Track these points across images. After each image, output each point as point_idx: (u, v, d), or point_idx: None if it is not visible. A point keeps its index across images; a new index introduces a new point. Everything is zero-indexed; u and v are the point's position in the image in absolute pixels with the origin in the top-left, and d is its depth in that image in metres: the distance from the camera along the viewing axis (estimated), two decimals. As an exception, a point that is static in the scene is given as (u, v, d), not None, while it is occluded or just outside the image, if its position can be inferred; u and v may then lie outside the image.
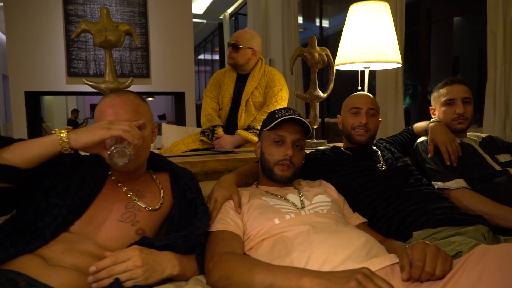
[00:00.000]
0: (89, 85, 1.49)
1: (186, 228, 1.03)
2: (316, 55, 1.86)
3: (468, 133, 1.70)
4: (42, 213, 0.92)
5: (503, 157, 1.57)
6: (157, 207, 1.07)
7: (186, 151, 2.16)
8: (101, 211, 0.98)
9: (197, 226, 1.02)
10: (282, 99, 2.15)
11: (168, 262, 0.90)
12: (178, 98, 4.87)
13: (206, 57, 11.22)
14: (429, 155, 1.54)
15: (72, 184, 0.96)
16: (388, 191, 1.33)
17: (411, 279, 0.84)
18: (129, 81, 1.52)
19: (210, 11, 7.40)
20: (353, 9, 2.03)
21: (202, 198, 1.13)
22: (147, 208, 1.04)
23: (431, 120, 1.68)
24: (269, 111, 1.89)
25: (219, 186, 1.21)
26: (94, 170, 1.03)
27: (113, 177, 1.07)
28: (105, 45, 1.42)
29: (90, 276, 0.80)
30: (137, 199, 1.04)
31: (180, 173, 1.18)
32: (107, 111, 0.99)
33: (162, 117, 12.37)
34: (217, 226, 1.08)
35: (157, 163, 1.20)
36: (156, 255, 0.88)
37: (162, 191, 1.13)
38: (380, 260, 0.92)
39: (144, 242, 0.90)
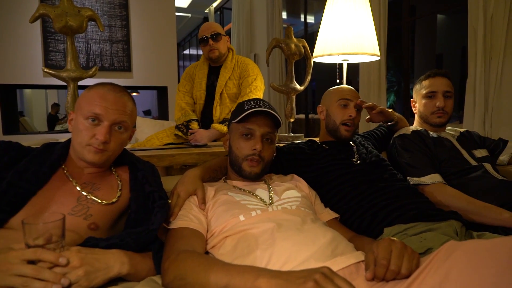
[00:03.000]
0: (50, 73, 1.41)
1: (142, 224, 0.96)
2: (293, 46, 1.81)
3: (446, 128, 1.67)
4: None
5: (480, 152, 1.55)
6: (113, 200, 1.01)
7: (159, 146, 2.09)
8: (49, 204, 0.91)
9: (151, 221, 0.95)
10: (257, 89, 2.08)
11: (115, 260, 0.82)
12: (161, 92, 4.78)
13: (191, 52, 11.08)
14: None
15: (6, 180, 0.89)
16: (361, 186, 1.29)
17: (376, 278, 0.79)
18: (93, 70, 1.45)
19: (195, 5, 7.29)
20: (331, 0, 1.98)
21: (162, 192, 1.07)
22: (102, 202, 0.98)
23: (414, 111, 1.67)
24: (245, 103, 1.82)
25: (182, 180, 1.14)
26: (37, 164, 0.95)
27: (65, 171, 1.00)
28: (66, 31, 1.34)
29: None
30: (91, 193, 0.98)
31: (140, 166, 1.11)
32: (96, 101, 0.96)
33: (147, 113, 12.13)
34: (178, 223, 1.01)
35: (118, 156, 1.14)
36: (99, 253, 0.81)
37: (120, 184, 1.06)
38: (345, 259, 0.87)
39: (88, 243, 0.83)
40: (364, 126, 3.33)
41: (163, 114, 4.76)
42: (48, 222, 0.74)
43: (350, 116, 1.41)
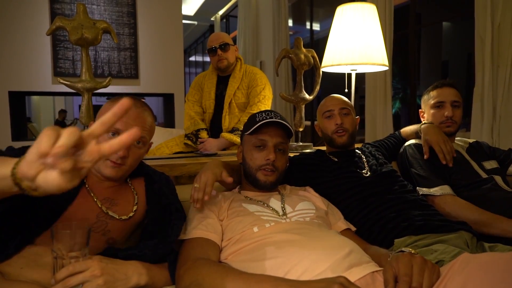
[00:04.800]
0: (65, 84, 1.43)
1: (158, 236, 0.98)
2: (302, 56, 1.82)
3: (456, 138, 1.67)
4: (6, 223, 0.84)
5: (489, 164, 1.55)
6: (130, 215, 1.02)
7: (169, 154, 2.11)
8: (72, 221, 0.93)
9: (168, 233, 0.97)
10: (265, 99, 2.11)
11: (133, 271, 0.84)
12: (167, 99, 4.81)
13: (197, 59, 11.17)
14: (425, 156, 1.51)
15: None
16: (370, 198, 1.30)
17: None
18: (107, 81, 1.47)
19: (201, 13, 7.37)
20: (340, 10, 2.00)
21: (178, 204, 1.08)
22: (120, 218, 0.99)
23: (422, 122, 1.65)
24: (253, 112, 1.85)
25: (207, 167, 1.14)
26: None
27: (86, 186, 1.01)
28: (81, 43, 1.37)
29: None
30: (109, 209, 0.99)
31: (156, 178, 1.12)
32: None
33: (153, 119, 12.16)
34: (194, 232, 1.02)
35: None
36: (119, 264, 0.83)
37: (136, 197, 1.07)
38: (361, 269, 0.87)
39: (107, 253, 0.85)
40: (371, 136, 3.34)
41: (169, 121, 4.79)
42: (75, 230, 0.76)
43: (336, 124, 1.44)
